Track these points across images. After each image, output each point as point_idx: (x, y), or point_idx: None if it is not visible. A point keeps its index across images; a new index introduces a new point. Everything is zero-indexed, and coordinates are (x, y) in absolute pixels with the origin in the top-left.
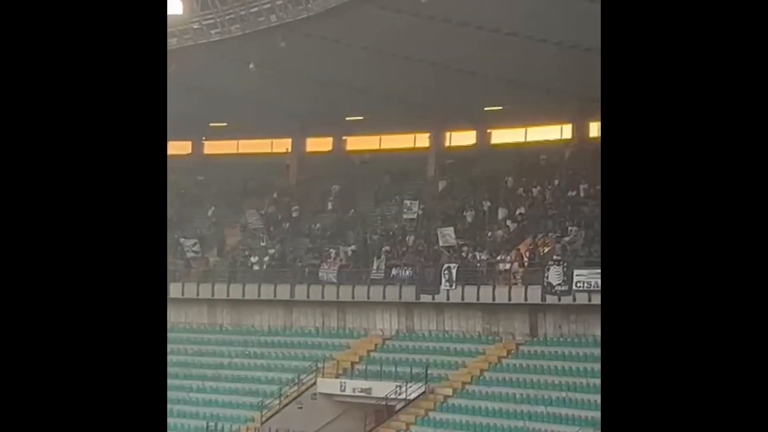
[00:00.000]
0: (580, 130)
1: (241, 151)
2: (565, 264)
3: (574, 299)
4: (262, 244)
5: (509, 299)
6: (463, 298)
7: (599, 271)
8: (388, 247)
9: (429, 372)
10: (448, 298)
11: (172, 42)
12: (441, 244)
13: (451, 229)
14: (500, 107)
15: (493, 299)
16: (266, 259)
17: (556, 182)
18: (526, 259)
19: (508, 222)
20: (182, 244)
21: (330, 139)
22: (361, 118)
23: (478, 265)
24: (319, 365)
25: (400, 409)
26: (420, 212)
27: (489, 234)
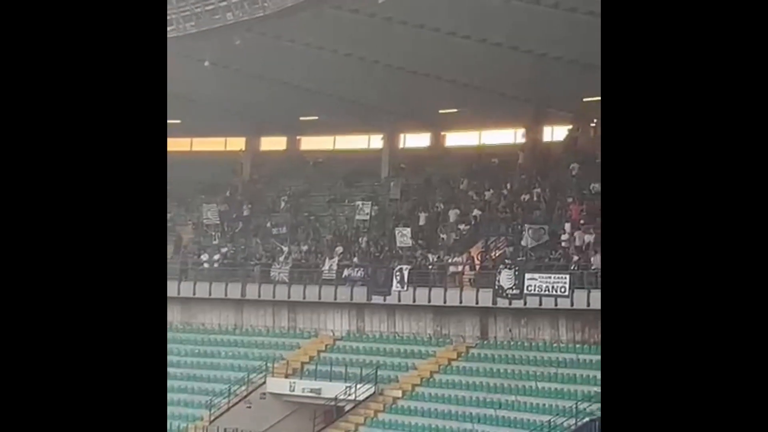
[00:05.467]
0: (534, 134)
1: (194, 149)
2: (517, 268)
3: (525, 303)
4: (215, 242)
5: (460, 302)
6: (414, 300)
7: (550, 275)
8: (340, 248)
9: (379, 373)
10: (399, 300)
11: None
12: (398, 244)
13: (408, 229)
14: (455, 110)
15: (444, 302)
16: (217, 257)
17: (509, 186)
18: (477, 262)
19: (461, 225)
20: None
21: (284, 139)
22: (316, 118)
23: (430, 267)
24: (269, 365)
25: (349, 410)
26: (373, 213)
27: (441, 236)
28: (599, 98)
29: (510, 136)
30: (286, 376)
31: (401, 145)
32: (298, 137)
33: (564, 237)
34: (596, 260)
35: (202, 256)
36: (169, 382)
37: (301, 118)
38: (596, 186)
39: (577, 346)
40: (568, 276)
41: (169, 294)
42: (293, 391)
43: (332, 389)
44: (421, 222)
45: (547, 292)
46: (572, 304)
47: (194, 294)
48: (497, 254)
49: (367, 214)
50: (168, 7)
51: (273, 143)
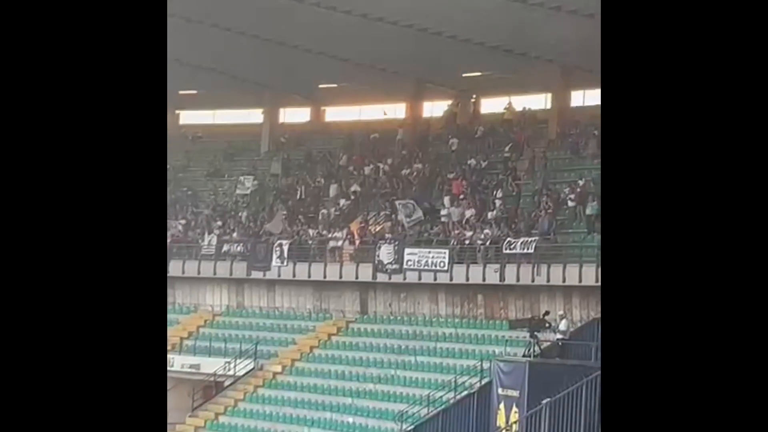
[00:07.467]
0: (414, 109)
1: None
2: (396, 242)
3: (405, 278)
4: None
5: (340, 277)
6: (294, 275)
7: (429, 250)
8: (220, 223)
9: (258, 348)
10: (279, 275)
11: None
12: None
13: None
14: (335, 85)
15: (324, 276)
16: None
17: (389, 161)
18: (357, 237)
19: (341, 199)
20: None
21: None
22: (195, 92)
23: (310, 242)
24: None
25: (228, 386)
26: (253, 188)
27: (321, 211)
28: (479, 73)
29: (390, 111)
30: None
31: (281, 120)
32: (177, 111)
33: (443, 212)
34: (475, 235)
35: None
36: None
37: (180, 92)
38: (473, 162)
39: (456, 320)
40: (447, 251)
41: None
42: (172, 366)
43: (211, 365)
44: (301, 197)
45: (426, 267)
46: (451, 279)
47: None
48: (377, 229)
49: (248, 188)
50: None
51: None
